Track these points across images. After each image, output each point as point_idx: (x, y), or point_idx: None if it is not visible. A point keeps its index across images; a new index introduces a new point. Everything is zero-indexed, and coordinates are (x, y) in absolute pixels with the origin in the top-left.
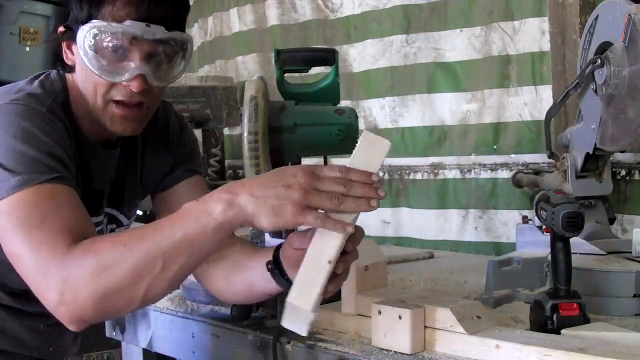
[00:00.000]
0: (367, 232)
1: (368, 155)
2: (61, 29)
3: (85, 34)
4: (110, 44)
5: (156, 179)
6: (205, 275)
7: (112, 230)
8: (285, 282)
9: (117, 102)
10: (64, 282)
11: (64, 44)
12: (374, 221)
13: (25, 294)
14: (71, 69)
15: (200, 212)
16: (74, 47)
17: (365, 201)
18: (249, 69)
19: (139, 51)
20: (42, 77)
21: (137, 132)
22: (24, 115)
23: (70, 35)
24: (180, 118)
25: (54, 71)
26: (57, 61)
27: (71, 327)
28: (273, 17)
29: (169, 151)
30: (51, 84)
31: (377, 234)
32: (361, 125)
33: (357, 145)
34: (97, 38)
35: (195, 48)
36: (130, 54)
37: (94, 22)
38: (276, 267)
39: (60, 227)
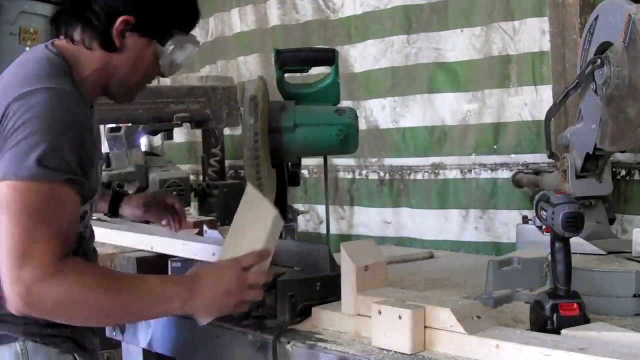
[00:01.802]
0: (367, 232)
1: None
2: (129, 19)
3: (175, 43)
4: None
5: None
6: None
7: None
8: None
9: None
10: (35, 289)
11: (117, 29)
12: (375, 221)
13: None
14: (115, 49)
15: (164, 298)
16: (130, 35)
17: None
18: (250, 69)
19: None
20: (46, 58)
21: None
22: (63, 101)
23: (137, 28)
24: None
25: (48, 51)
26: (105, 39)
27: (11, 310)
28: (274, 18)
29: None
30: (60, 65)
31: (378, 234)
32: (362, 125)
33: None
34: (183, 47)
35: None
36: None
37: (185, 35)
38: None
39: (57, 234)
